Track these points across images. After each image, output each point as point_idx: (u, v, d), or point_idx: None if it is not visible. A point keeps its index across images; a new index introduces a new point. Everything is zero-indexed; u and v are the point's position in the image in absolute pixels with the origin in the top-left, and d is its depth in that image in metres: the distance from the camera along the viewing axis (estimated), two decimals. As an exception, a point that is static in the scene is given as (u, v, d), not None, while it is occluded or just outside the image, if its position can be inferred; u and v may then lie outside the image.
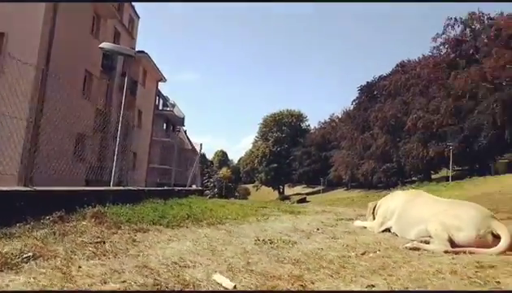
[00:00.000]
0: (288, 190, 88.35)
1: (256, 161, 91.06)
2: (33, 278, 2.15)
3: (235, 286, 2.30)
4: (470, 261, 2.97)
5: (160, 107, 43.47)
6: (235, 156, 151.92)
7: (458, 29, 49.77)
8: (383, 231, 4.56)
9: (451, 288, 2.37)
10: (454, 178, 42.92)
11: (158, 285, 2.23)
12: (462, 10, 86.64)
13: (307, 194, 71.75)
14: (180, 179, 20.16)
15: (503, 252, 3.23)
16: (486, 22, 47.06)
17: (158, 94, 37.58)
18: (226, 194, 56.51)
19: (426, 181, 47.14)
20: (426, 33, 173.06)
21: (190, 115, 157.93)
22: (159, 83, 33.37)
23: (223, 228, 4.80)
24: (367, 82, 70.11)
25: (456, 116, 44.18)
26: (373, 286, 2.40)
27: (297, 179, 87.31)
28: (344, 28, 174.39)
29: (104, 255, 2.82)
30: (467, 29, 49.29)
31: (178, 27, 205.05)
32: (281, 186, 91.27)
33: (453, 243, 3.47)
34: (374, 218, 4.87)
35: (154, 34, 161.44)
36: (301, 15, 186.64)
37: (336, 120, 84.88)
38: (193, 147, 46.19)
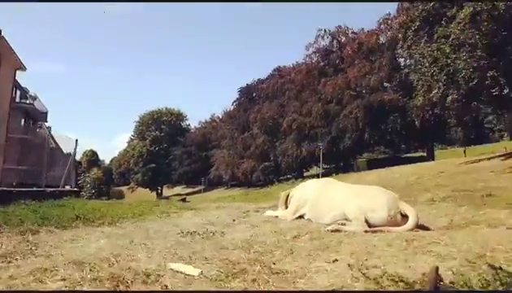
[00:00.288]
0: (167, 191, 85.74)
1: (132, 161, 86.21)
2: None
3: (201, 272, 2.26)
4: (394, 237, 3.26)
5: (17, 100, 37.28)
6: (107, 156, 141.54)
7: (327, 40, 54.96)
8: (296, 218, 4.76)
9: (401, 257, 2.64)
10: (323, 175, 47.16)
11: (116, 277, 2.08)
12: (331, 23, 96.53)
13: (187, 194, 70.40)
14: (50, 180, 17.38)
15: (411, 229, 3.64)
16: (350, 36, 52.99)
17: (16, 84, 32.07)
18: (98, 196, 51.79)
19: (300, 178, 50.92)
20: (300, 41, 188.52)
21: (55, 111, 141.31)
22: (17, 72, 28.36)
23: (126, 226, 4.32)
24: (247, 84, 72.66)
25: (325, 119, 48.56)
26: (336, 260, 2.55)
27: (176, 179, 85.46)
28: (226, 29, 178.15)
29: (7, 258, 2.52)
30: (335, 41, 54.73)
31: (39, 14, 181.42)
32: (159, 187, 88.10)
33: (368, 224, 3.81)
34: (286, 207, 5.03)
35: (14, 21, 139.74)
36: (177, 12, 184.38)
37: (217, 120, 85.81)
38: (58, 145, 40.89)
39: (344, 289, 2.11)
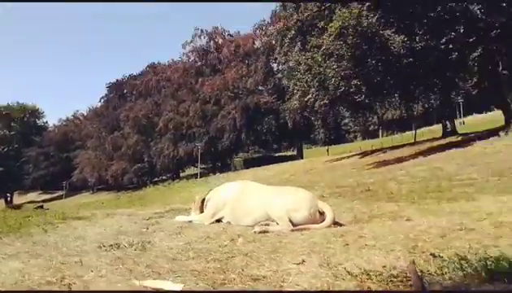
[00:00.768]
0: (18, 199, 74.36)
1: (-28, 164, 72.41)
2: None
3: (183, 286, 2.14)
4: (325, 234, 3.43)
5: None
6: None
7: (204, 40, 55.09)
8: (213, 222, 4.65)
9: (352, 252, 2.75)
10: (201, 175, 47.18)
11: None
12: (209, 23, 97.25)
13: (44, 201, 62.30)
14: None
15: (330, 225, 3.84)
16: (227, 37, 54.08)
17: None
18: None
19: (177, 179, 50.01)
20: (176, 39, 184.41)
21: None
22: None
23: (14, 242, 3.49)
24: (117, 80, 68.10)
25: (203, 119, 48.66)
26: (304, 260, 2.59)
27: (30, 185, 74.98)
28: (94, 17, 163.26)
29: None
30: (212, 41, 55.18)
31: None
32: (8, 194, 75.95)
33: (292, 223, 3.88)
34: (201, 212, 4.84)
35: None
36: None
37: (81, 118, 78.29)
38: None
39: (336, 289, 2.08)
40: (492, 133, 17.68)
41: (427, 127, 51.08)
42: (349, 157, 28.67)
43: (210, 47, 54.99)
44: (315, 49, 19.41)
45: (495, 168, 8.92)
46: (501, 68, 16.51)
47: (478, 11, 15.42)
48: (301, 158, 43.04)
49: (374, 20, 16.58)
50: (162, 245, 3.34)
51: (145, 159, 54.65)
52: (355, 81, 18.05)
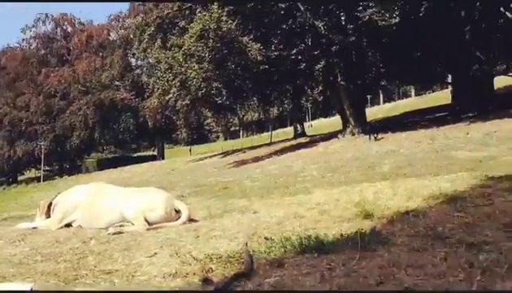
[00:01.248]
0: None
1: None
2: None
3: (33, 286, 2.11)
4: (181, 230, 3.66)
5: None
6: None
7: (49, 26, 48.82)
8: (61, 227, 4.49)
9: (201, 243, 3.09)
10: (44, 178, 41.67)
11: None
12: (55, 9, 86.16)
13: None
14: None
15: (185, 222, 4.06)
16: (77, 26, 48.91)
17: None
18: None
19: (14, 184, 43.20)
20: (14, 22, 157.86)
21: None
22: None
23: None
24: None
25: (47, 115, 43.14)
26: (156, 253, 2.81)
27: None
28: None
29: None
30: (59, 28, 49.27)
31: None
32: None
33: (148, 223, 4.02)
34: (48, 217, 4.62)
35: None
36: None
37: None
38: None
39: (183, 272, 2.30)
40: (333, 135, 20.20)
41: (282, 129, 55.72)
42: (211, 157, 29.16)
43: (57, 35, 49.09)
44: (176, 48, 19.02)
45: (331, 165, 10.22)
46: (339, 79, 18.84)
47: (322, 28, 17.29)
48: (163, 158, 41.89)
49: (233, 26, 17.06)
50: (2, 253, 3.17)
51: (-28, 160, 45.61)
52: (216, 84, 18.39)
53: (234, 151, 29.23)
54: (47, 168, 47.06)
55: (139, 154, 52.50)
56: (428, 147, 10.76)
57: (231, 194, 7.81)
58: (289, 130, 48.57)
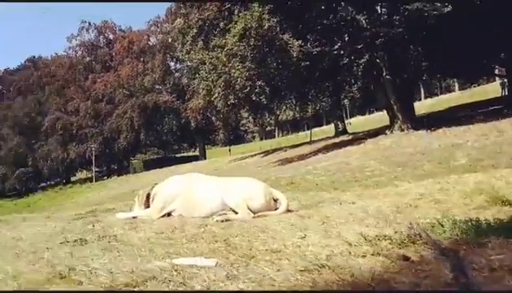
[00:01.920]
0: None
1: None
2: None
3: (217, 262, 2.09)
4: (287, 217, 3.55)
5: None
6: None
7: (93, 34, 51.18)
8: (162, 216, 4.52)
9: (337, 228, 2.80)
10: (96, 179, 43.83)
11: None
12: (97, 16, 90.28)
13: None
14: None
15: (285, 212, 3.99)
16: (118, 33, 50.97)
17: None
18: None
19: (69, 184, 45.64)
20: (60, 31, 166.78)
21: None
22: None
23: None
24: (-10, 75, 59.43)
25: (95, 119, 45.23)
26: (305, 235, 2.61)
27: None
28: None
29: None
30: (101, 36, 51.55)
31: None
32: None
33: (250, 211, 4.00)
34: (147, 207, 4.66)
35: None
36: None
37: None
38: None
39: (357, 252, 2.11)
40: (379, 132, 19.84)
41: (318, 127, 55.22)
42: (252, 156, 29.52)
43: (100, 42, 51.35)
44: (219, 49, 19.48)
45: (395, 160, 9.98)
46: (384, 73, 18.54)
47: (364, 21, 17.12)
48: (205, 158, 42.81)
49: (273, 24, 17.28)
50: (134, 236, 3.02)
51: (30, 163, 48.59)
52: (259, 82, 18.60)
53: (274, 150, 29.42)
54: (97, 169, 49.42)
55: (181, 154, 53.83)
56: (499, 140, 10.36)
57: (302, 187, 7.76)
58: (327, 129, 48.05)
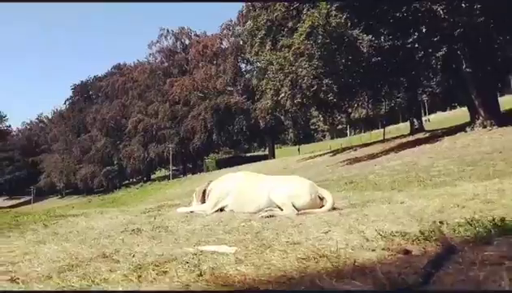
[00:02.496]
0: (-20, 205, 70.95)
1: None
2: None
3: (235, 251, 2.28)
4: (329, 215, 3.61)
5: None
6: None
7: (171, 40, 54.37)
8: (215, 211, 4.78)
9: (369, 224, 2.85)
10: (172, 177, 46.50)
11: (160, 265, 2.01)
12: (174, 23, 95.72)
13: (11, 206, 59.58)
14: None
15: (331, 209, 4.01)
16: (193, 38, 53.55)
17: None
18: None
19: (148, 181, 49.03)
20: (141, 39, 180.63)
21: None
22: None
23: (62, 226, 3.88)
24: (82, 81, 66.21)
25: (173, 120, 47.96)
26: (329, 230, 2.72)
27: (-5, 190, 71.85)
28: (54, 18, 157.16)
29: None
30: (178, 42, 54.53)
31: None
32: (-27, 201, 72.45)
33: (295, 208, 4.08)
34: (203, 202, 4.97)
35: None
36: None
37: (46, 121, 75.41)
38: None
39: (369, 246, 2.17)
40: (459, 129, 18.38)
41: (394, 125, 52.66)
42: (320, 155, 29.10)
43: (177, 48, 54.35)
44: (286, 48, 19.52)
45: (467, 159, 9.29)
46: (464, 66, 17.12)
47: (441, 11, 15.95)
48: (274, 157, 43.21)
49: (342, 20, 16.85)
50: (183, 227, 3.40)
51: (115, 162, 53.29)
52: (326, 80, 18.28)
53: (344, 149, 28.72)
54: (174, 167, 52.53)
55: (251, 154, 54.96)
56: None
57: (360, 187, 7.64)
58: (402, 126, 45.58)
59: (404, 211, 3.37)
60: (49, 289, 1.76)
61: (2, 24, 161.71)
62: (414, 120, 32.01)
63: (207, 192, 4.92)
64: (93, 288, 1.73)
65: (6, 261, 2.35)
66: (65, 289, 1.74)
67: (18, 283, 1.86)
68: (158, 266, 1.98)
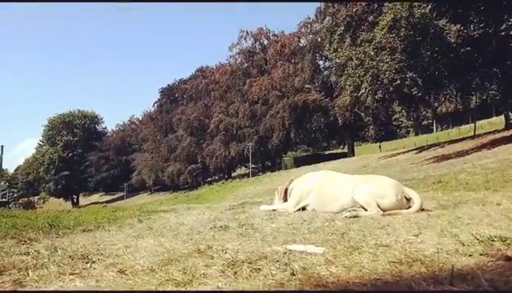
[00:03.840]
0: (83, 200, 79.89)
1: (42, 169, 78.71)
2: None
3: (323, 251, 2.27)
4: (417, 216, 3.43)
5: None
6: (9, 165, 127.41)
7: (250, 42, 55.91)
8: (297, 210, 4.77)
9: (462, 227, 2.71)
10: (252, 174, 47.93)
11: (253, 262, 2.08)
12: (253, 25, 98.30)
13: (107, 202, 66.49)
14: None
15: (418, 211, 3.80)
16: (271, 38, 54.48)
17: None
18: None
19: (230, 179, 51.09)
20: (222, 42, 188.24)
21: None
22: None
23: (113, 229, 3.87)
24: (168, 85, 70.77)
25: (252, 119, 49.36)
26: (420, 232, 2.64)
27: (93, 187, 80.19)
28: (141, 26, 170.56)
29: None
30: (257, 43, 55.87)
31: None
32: (75, 196, 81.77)
33: (380, 209, 3.95)
34: (285, 201, 5.00)
35: None
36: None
37: (137, 122, 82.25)
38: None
39: (465, 251, 2.08)
40: None
41: (486, 119, 48.32)
42: (403, 153, 27.89)
43: (256, 48, 55.63)
44: (366, 43, 19.23)
45: None
46: None
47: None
48: (353, 155, 42.35)
49: (427, 11, 16.20)
50: (268, 225, 3.46)
51: (199, 160, 56.30)
52: (410, 74, 17.67)
53: (430, 146, 27.23)
54: (253, 165, 54.06)
55: (329, 151, 54.39)
56: None
57: (449, 187, 7.18)
58: (496, 121, 41.64)
59: (501, 213, 3.15)
60: (155, 281, 1.85)
61: (100, 29, 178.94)
62: (510, 113, 29.16)
63: (289, 191, 4.96)
64: (194, 282, 1.82)
65: (112, 254, 2.50)
66: (169, 282, 1.84)
67: (126, 274, 1.99)
68: (251, 264, 2.05)
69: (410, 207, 3.93)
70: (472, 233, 2.40)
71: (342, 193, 4.37)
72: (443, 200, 4.57)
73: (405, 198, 4.03)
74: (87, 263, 2.28)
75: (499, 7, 16.22)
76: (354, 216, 3.79)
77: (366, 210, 3.96)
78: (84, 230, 3.81)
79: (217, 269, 1.97)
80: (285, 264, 2.01)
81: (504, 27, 15.93)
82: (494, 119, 45.02)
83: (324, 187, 4.66)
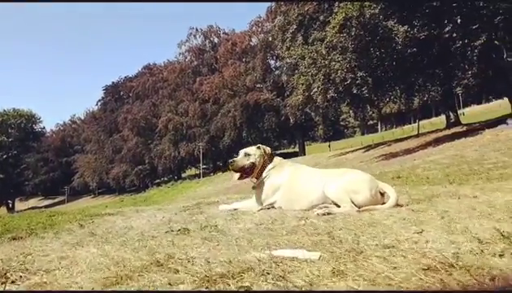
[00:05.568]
0: (20, 205, 74.13)
1: (-29, 172, 72.06)
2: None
3: (320, 256, 1.93)
4: (398, 212, 3.23)
5: None
6: None
7: (200, 39, 54.98)
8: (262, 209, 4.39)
9: (457, 225, 2.46)
10: (203, 175, 47.02)
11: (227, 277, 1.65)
12: (203, 22, 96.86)
13: (46, 206, 62.02)
14: None
15: (394, 205, 3.61)
16: (222, 36, 53.94)
17: None
18: None
19: (179, 180, 49.78)
20: (171, 39, 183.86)
21: None
22: None
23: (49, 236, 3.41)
24: (113, 82, 67.85)
25: (202, 119, 48.49)
26: (422, 230, 2.40)
27: (31, 191, 74.87)
28: (84, 21, 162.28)
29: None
30: (207, 41, 55.05)
31: None
32: (10, 201, 75.70)
33: (354, 205, 3.72)
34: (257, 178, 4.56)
35: None
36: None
37: (79, 122, 77.96)
38: None
39: (487, 250, 1.86)
40: (499, 121, 17.63)
41: (427, 119, 51.23)
42: (352, 152, 28.63)
43: (206, 46, 54.85)
44: (318, 42, 19.33)
45: None
46: (505, 55, 16.42)
47: (480, -2, 15.39)
48: (304, 154, 42.92)
49: (376, 11, 16.53)
50: (234, 227, 3.02)
51: (146, 161, 54.40)
52: (361, 73, 17.97)
53: (377, 145, 28.13)
54: (204, 165, 53.03)
55: (281, 151, 54.84)
56: None
57: (411, 182, 7.19)
58: (436, 120, 44.21)
59: (487, 205, 3.01)
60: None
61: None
62: (450, 113, 30.91)
63: (263, 177, 4.48)
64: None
65: (41, 268, 2.06)
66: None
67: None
68: (233, 278, 1.65)
69: (384, 202, 3.72)
70: (486, 228, 2.20)
71: (312, 189, 4.05)
72: (414, 194, 4.45)
73: (380, 192, 3.81)
74: (2, 284, 1.83)
75: (442, 11, 16.93)
76: (327, 213, 3.51)
77: (338, 206, 3.67)
78: (13, 238, 3.38)
79: (187, 289, 1.52)
80: (281, 277, 1.61)
81: (447, 29, 16.63)
82: (434, 119, 47.81)
83: (292, 183, 4.26)
